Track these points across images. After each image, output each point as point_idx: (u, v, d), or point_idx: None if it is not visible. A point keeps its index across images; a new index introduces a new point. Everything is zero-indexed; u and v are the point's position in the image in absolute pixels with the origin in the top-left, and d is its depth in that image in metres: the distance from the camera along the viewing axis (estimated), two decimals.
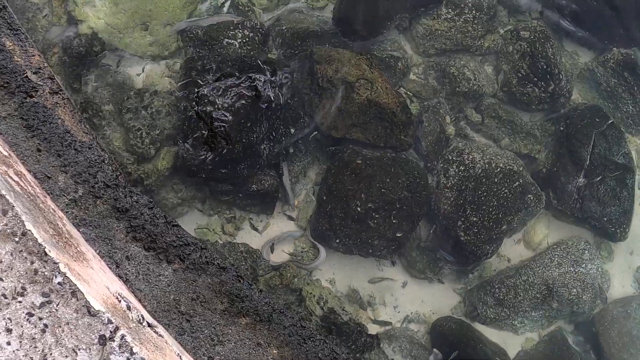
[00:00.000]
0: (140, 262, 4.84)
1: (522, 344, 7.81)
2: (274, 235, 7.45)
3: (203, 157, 6.90)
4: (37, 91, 5.36)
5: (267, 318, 5.00)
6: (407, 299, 7.64)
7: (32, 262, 3.19)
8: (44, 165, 4.96)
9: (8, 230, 3.21)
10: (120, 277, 4.59)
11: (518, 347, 7.79)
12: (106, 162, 5.33)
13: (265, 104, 7.13)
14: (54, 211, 4.20)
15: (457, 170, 7.70)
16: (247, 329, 4.85)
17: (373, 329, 7.38)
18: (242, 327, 4.83)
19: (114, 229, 4.94)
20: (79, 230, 4.59)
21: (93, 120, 6.95)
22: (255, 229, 7.49)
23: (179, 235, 5.13)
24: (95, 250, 4.55)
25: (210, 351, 4.58)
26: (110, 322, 3.20)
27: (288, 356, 4.90)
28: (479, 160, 7.68)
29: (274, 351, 4.84)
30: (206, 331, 4.66)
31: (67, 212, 4.75)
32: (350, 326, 6.88)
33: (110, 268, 4.55)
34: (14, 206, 3.26)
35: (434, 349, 7.36)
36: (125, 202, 5.10)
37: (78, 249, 3.93)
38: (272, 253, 7.38)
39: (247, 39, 7.68)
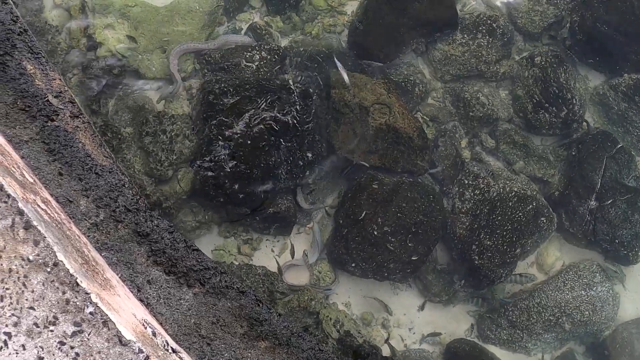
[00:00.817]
0: (161, 286, 4.88)
1: None
2: (292, 259, 7.52)
3: (221, 180, 6.96)
4: (58, 115, 5.40)
5: (286, 342, 5.03)
6: (422, 321, 7.68)
7: (63, 292, 3.24)
8: (66, 190, 5.01)
9: (40, 261, 3.26)
10: (142, 301, 4.63)
11: None
12: (126, 186, 5.37)
13: (283, 128, 7.18)
14: (79, 237, 4.25)
15: (472, 195, 7.75)
16: (267, 352, 4.88)
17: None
18: (261, 351, 4.86)
19: (135, 253, 4.99)
20: (101, 255, 4.63)
21: (112, 142, 7.00)
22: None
23: (199, 260, 5.17)
24: (118, 275, 4.60)
25: None
26: (141, 351, 3.25)
27: None
28: (494, 185, 7.74)
29: None
30: (226, 355, 4.69)
31: (89, 236, 4.80)
32: (365, 348, 6.91)
33: (132, 292, 4.59)
34: (45, 237, 3.31)
35: None
36: (146, 226, 5.15)
37: (104, 275, 3.98)
38: (289, 275, 7.42)
39: (265, 62, 7.74)
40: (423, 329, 7.67)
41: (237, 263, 7.23)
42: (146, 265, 4.97)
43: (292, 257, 7.50)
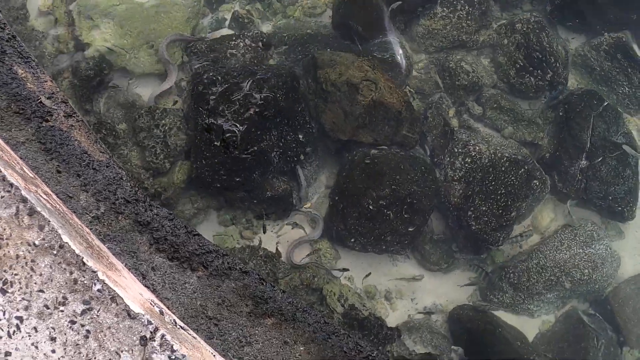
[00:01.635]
0: (166, 272, 4.96)
1: (539, 326, 7.92)
2: (293, 239, 7.60)
3: (217, 167, 7.06)
4: (52, 115, 5.47)
5: (292, 317, 5.11)
6: (424, 291, 7.78)
7: (71, 273, 3.33)
8: (65, 186, 5.09)
9: (46, 245, 3.34)
10: (147, 287, 4.72)
11: (535, 330, 7.90)
12: (124, 179, 5.44)
13: (273, 112, 7.26)
14: (82, 227, 4.34)
15: (463, 162, 7.84)
16: (273, 328, 4.95)
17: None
18: (268, 328, 4.93)
19: (138, 242, 5.06)
20: (105, 246, 4.71)
21: (108, 139, 7.09)
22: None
23: (200, 244, 5.24)
24: (122, 263, 4.68)
25: (240, 352, 4.69)
26: (150, 322, 3.33)
27: (315, 352, 5.00)
28: (485, 151, 7.84)
29: (301, 348, 4.94)
30: (234, 333, 4.77)
31: (91, 228, 4.88)
32: (370, 320, 7.02)
33: (137, 280, 4.67)
34: (49, 221, 3.39)
35: (453, 347, 7.47)
36: (146, 215, 5.22)
37: (109, 260, 4.08)
38: (293, 256, 7.52)
39: (250, 49, 7.84)
40: (425, 298, 7.76)
41: (239, 246, 7.32)
42: (149, 253, 5.05)
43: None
